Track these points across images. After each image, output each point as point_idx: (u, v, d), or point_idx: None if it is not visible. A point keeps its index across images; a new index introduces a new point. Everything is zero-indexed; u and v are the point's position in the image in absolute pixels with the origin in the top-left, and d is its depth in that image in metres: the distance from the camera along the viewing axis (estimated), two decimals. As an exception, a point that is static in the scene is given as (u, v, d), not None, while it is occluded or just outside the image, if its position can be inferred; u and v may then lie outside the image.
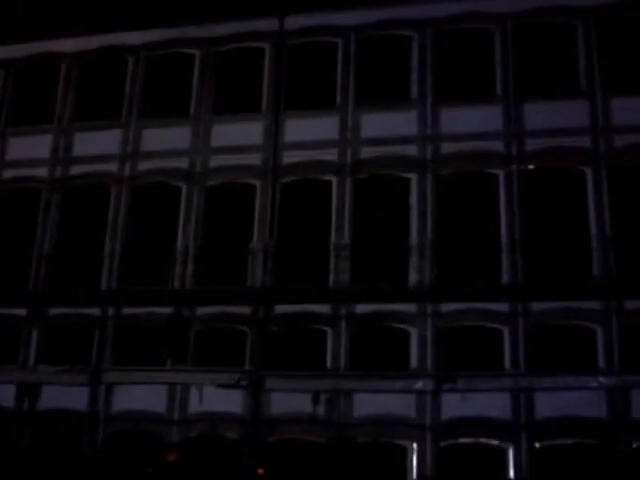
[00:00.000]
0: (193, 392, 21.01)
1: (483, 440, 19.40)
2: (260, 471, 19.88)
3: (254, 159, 22.67)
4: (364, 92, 22.57)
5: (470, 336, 20.10)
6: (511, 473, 18.97)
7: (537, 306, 19.98)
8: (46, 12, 24.78)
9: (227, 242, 22.22)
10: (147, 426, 21.04)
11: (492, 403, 19.29)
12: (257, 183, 22.52)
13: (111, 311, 22.36)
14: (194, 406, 20.98)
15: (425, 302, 20.41)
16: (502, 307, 20.12)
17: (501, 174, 21.09)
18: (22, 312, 22.94)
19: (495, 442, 19.35)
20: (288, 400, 20.25)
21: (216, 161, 22.98)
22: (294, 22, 23.49)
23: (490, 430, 19.34)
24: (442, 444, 19.47)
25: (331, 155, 22.15)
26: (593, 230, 20.16)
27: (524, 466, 18.99)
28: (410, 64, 22.45)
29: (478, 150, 21.20)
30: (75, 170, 24.00)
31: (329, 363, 20.61)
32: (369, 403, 19.82)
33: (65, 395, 21.72)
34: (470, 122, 21.31)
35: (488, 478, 18.95)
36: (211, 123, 23.35)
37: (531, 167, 21.09)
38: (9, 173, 24.55)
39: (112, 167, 23.69)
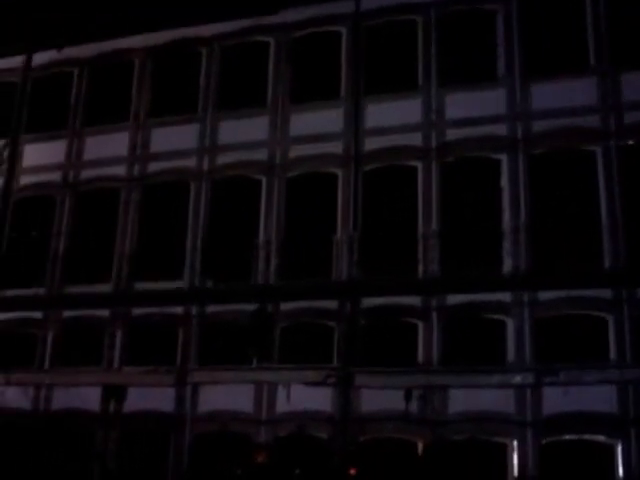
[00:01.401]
0: (280, 391, 20.83)
1: (588, 436, 18.61)
2: (352, 471, 19.56)
3: (335, 147, 22.32)
4: (447, 71, 21.91)
5: (571, 326, 19.31)
6: (620, 471, 18.13)
7: (644, 292, 19.11)
8: (116, 9, 24.92)
9: (310, 234, 21.94)
10: (234, 426, 20.96)
11: (597, 397, 18.49)
12: (339, 172, 22.16)
13: (195, 309, 22.33)
14: (282, 405, 20.79)
15: (521, 290, 19.71)
16: (605, 294, 19.25)
17: (598, 151, 20.16)
18: (105, 313, 23.13)
19: (601, 438, 18.55)
20: (379, 397, 19.89)
21: (296, 151, 22.72)
22: (371, 2, 23.03)
23: (596, 425, 18.55)
24: (544, 441, 18.80)
25: (415, 139, 21.63)
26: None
27: (634, 463, 18.09)
28: (495, 39, 21.69)
29: (573, 126, 20.30)
30: (153, 167, 24.13)
31: (421, 358, 20.15)
32: (464, 399, 19.29)
33: (151, 396, 21.84)
34: (563, 97, 20.43)
35: (595, 476, 18.15)
36: (289, 112, 23.11)
37: (631, 142, 20.08)
38: (87, 173, 24.79)
39: (190, 162, 23.72)
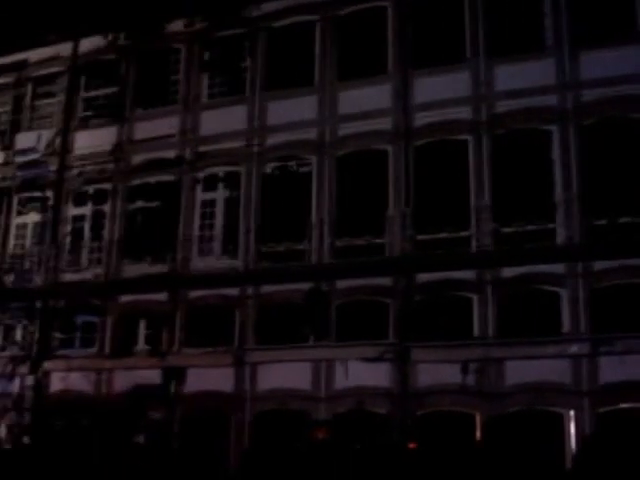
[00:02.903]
0: (338, 368, 22.10)
1: (646, 404, 19.45)
2: (411, 446, 20.69)
3: (384, 124, 23.43)
4: (495, 42, 22.75)
5: (626, 295, 20.09)
6: (679, 438, 18.97)
7: (701, 259, 19.84)
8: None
9: (362, 212, 23.12)
10: (294, 404, 22.32)
11: (654, 364, 19.35)
12: (389, 148, 23.28)
13: (250, 290, 23.84)
14: (340, 382, 22.06)
15: (575, 261, 20.63)
16: (661, 261, 20.08)
17: (651, 118, 20.90)
18: (163, 296, 24.83)
19: (659, 406, 19.38)
20: (436, 371, 20.97)
21: (345, 129, 23.91)
22: (416, -25, 23.98)
23: (653, 393, 19.39)
24: (601, 410, 19.70)
25: (465, 113, 22.64)
26: None
27: (693, 430, 18.96)
28: (542, 8, 22.50)
29: (624, 94, 20.96)
30: (203, 149, 25.65)
31: (476, 331, 21.21)
32: (521, 370, 20.24)
33: (210, 377, 23.37)
34: (614, 65, 21.03)
35: (653, 444, 19.01)
36: (337, 90, 24.29)
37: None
38: (138, 159, 26.66)
39: (239, 144, 25.17)
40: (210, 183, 25.45)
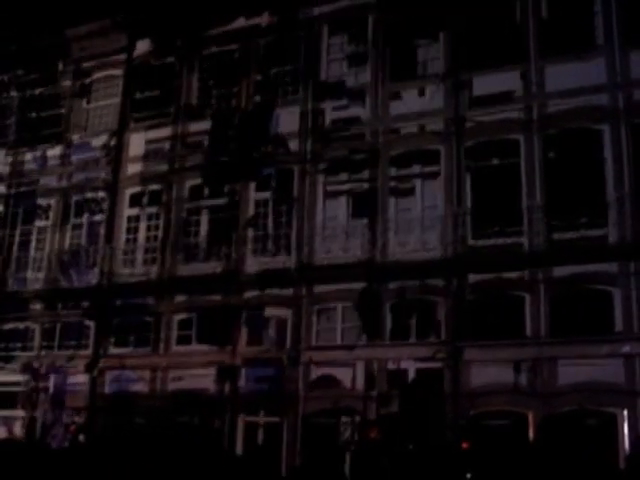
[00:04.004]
0: (390, 367, 23.06)
1: (702, 404, 19.94)
2: (464, 445, 21.40)
3: (436, 123, 24.56)
4: (546, 43, 23.53)
5: (680, 294, 20.66)
6: None
7: None
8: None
9: (416, 212, 24.25)
10: (346, 403, 23.35)
11: None
12: (441, 148, 24.29)
13: (304, 290, 25.03)
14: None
15: (627, 260, 21.25)
16: None
17: None
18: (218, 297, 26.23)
19: None
20: (488, 371, 21.79)
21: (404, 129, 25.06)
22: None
23: None
24: (654, 410, 20.18)
25: (516, 111, 23.52)
26: None
27: None
28: (593, 7, 23.27)
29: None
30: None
31: (529, 331, 21.94)
32: (573, 370, 20.88)
33: (263, 376, 24.66)
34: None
35: None
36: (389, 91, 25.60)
37: None
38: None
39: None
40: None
